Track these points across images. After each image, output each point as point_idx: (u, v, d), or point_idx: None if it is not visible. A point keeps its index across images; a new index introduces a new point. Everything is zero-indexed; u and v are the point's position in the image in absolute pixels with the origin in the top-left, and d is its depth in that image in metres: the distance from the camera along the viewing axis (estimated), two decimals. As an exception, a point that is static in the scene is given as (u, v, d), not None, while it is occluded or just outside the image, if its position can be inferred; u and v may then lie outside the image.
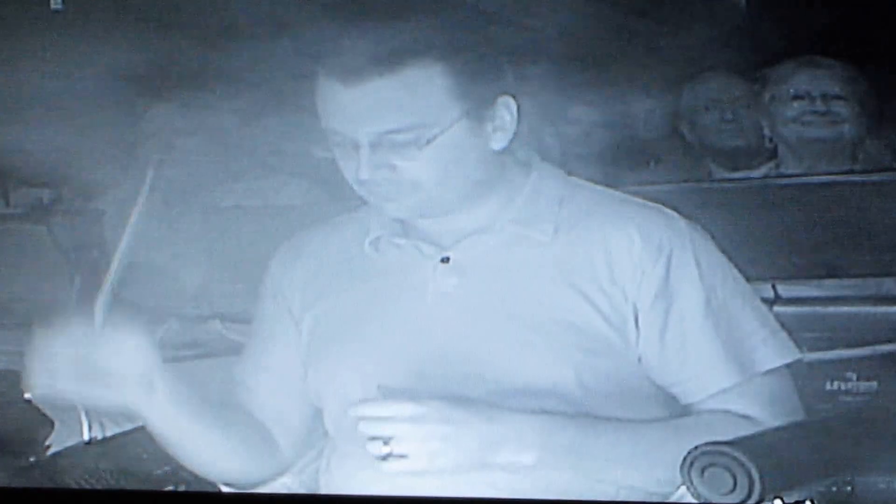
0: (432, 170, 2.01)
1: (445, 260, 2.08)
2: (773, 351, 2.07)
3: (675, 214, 2.09)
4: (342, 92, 1.99)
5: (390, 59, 1.97)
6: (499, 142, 2.06)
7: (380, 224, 2.13)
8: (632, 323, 2.03)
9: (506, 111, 2.05)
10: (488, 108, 2.04)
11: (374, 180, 2.01)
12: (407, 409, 1.94)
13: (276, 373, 2.20)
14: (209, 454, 2.17)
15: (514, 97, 2.06)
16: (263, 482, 2.23)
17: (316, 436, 2.24)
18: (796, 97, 3.52)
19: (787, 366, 2.08)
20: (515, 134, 2.07)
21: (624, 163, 4.91)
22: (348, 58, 1.99)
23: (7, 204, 4.47)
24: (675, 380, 2.06)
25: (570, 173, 2.18)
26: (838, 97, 3.50)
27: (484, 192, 2.08)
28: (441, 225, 2.09)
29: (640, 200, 2.12)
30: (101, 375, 2.02)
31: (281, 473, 2.24)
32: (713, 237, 2.12)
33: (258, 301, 2.26)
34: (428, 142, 1.99)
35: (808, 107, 3.50)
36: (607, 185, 2.19)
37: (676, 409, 2.08)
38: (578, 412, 2.00)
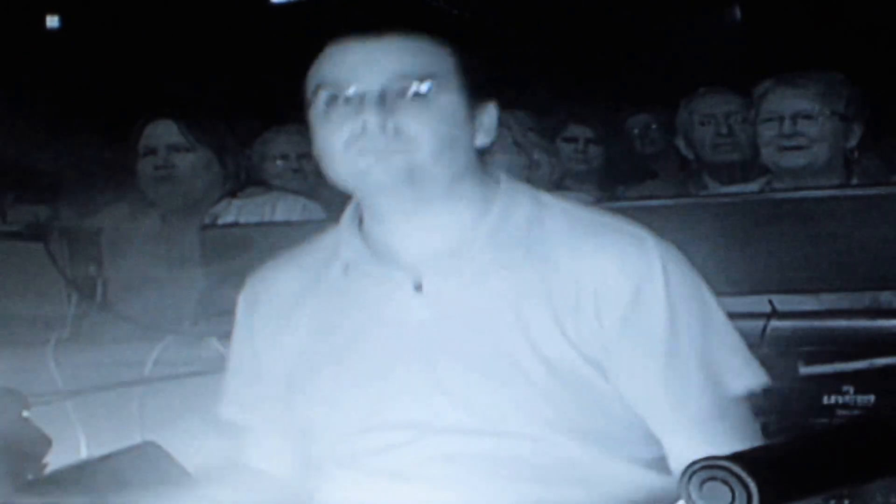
0: (429, 129, 2.04)
1: (418, 287, 2.08)
2: (743, 376, 2.07)
3: (648, 237, 2.07)
4: (358, 46, 2.08)
5: (408, 29, 2.09)
6: (481, 139, 2.12)
7: (350, 248, 2.13)
8: (602, 353, 2.03)
9: (487, 116, 2.12)
10: (479, 104, 2.11)
11: (373, 131, 2.02)
12: None
13: (262, 412, 2.20)
14: None
15: (497, 106, 2.14)
16: None
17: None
18: (769, 118, 3.50)
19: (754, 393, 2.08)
20: (494, 141, 2.13)
21: (620, 178, 4.92)
22: (369, 25, 2.08)
23: (4, 220, 4.48)
24: (645, 409, 2.05)
25: (566, 188, 2.19)
26: (808, 116, 3.47)
27: (461, 195, 2.09)
28: (413, 244, 2.09)
29: (611, 223, 2.10)
30: None
31: (300, 495, 2.21)
32: (689, 257, 2.10)
33: (232, 338, 2.26)
34: (432, 90, 2.05)
35: (779, 128, 3.48)
36: (603, 201, 2.18)
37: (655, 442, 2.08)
38: (554, 448, 2.01)
